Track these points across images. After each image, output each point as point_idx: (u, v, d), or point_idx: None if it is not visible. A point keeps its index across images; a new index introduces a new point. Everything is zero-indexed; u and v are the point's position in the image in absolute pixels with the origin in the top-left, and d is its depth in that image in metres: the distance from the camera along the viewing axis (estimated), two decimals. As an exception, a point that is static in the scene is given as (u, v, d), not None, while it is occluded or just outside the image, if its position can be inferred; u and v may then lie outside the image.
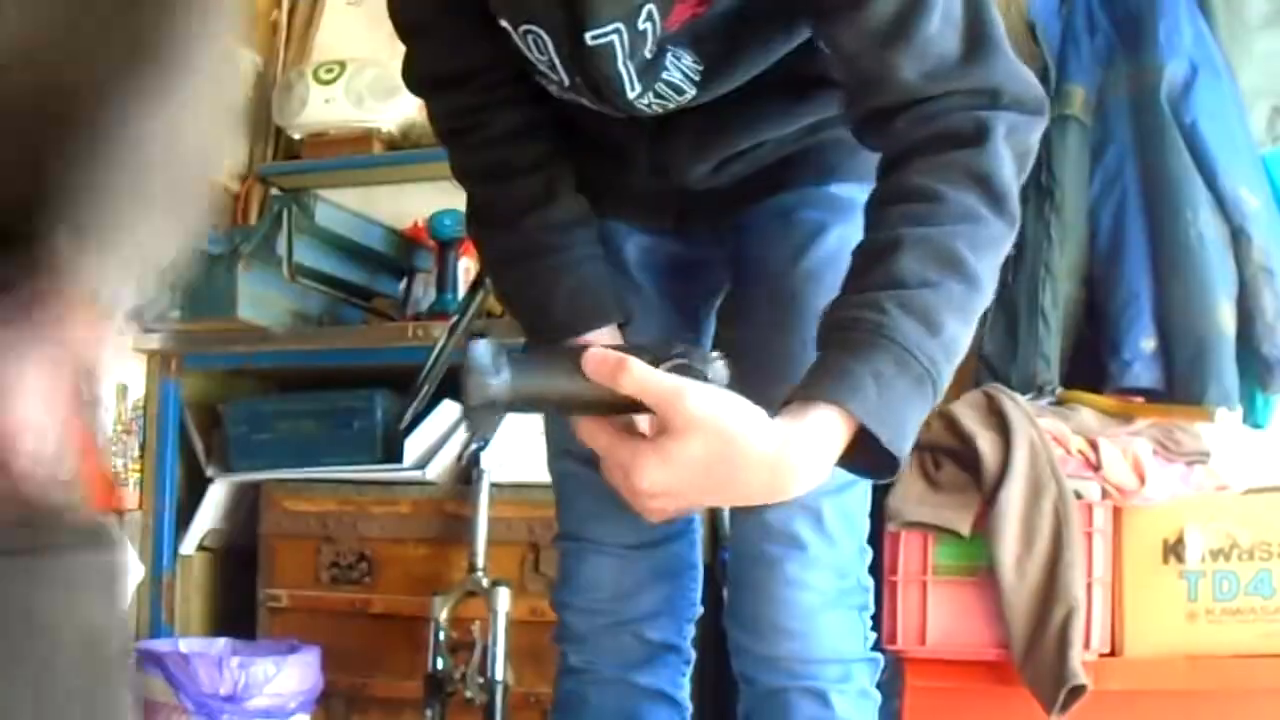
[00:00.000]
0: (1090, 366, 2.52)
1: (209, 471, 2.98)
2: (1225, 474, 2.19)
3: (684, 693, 1.61)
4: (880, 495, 2.00)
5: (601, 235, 1.46)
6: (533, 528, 2.55)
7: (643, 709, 1.57)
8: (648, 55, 1.29)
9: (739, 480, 1.08)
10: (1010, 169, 1.20)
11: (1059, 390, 2.41)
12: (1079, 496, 2.10)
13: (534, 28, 1.29)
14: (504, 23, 1.31)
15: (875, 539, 1.56)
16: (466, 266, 3.06)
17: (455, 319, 2.67)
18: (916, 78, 1.20)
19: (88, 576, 1.11)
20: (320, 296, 3.12)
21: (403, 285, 3.31)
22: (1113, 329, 2.47)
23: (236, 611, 2.92)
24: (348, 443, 2.83)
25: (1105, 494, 2.12)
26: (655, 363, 1.09)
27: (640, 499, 1.10)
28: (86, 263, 1.16)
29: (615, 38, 1.26)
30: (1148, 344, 2.43)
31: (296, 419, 2.91)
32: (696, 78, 1.32)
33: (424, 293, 3.23)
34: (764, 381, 1.14)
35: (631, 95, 1.32)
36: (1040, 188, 2.52)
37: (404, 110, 3.16)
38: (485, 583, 2.50)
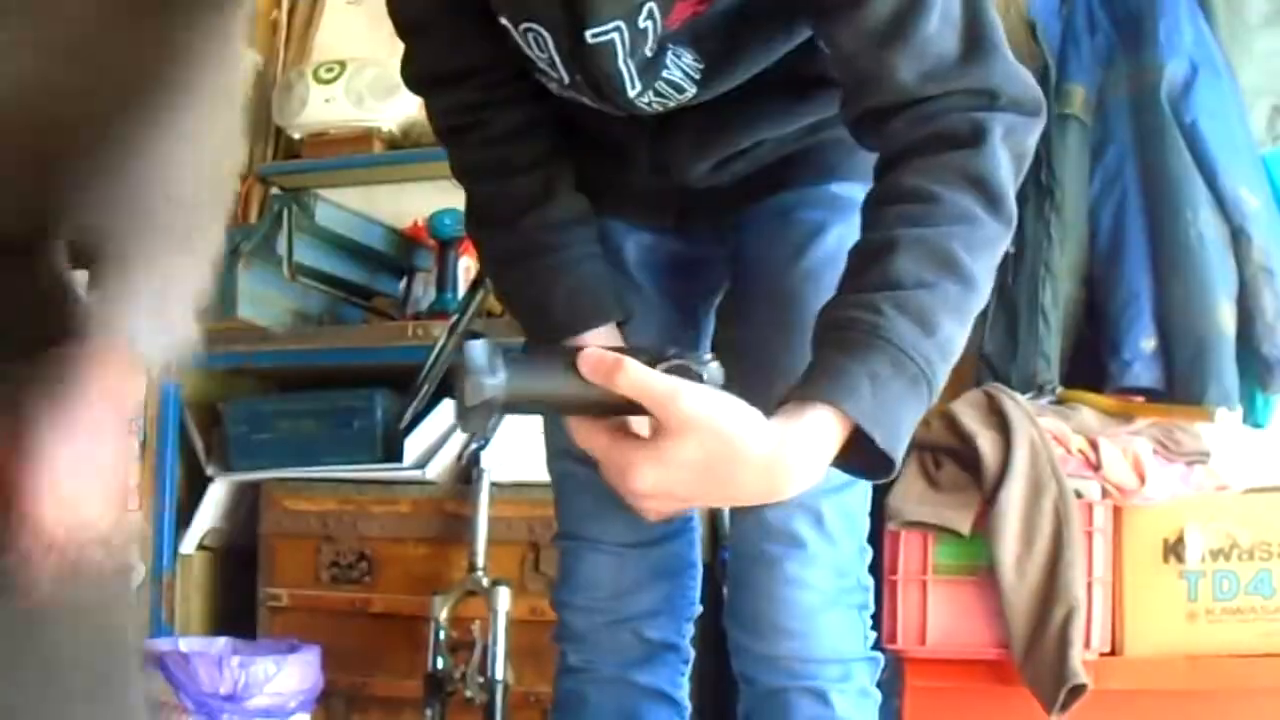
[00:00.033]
0: (1090, 366, 2.52)
1: (209, 471, 2.98)
2: (1225, 474, 2.19)
3: (683, 692, 1.61)
4: (880, 494, 2.00)
5: (601, 234, 1.46)
6: (533, 527, 2.55)
7: (642, 708, 1.57)
8: (648, 54, 1.29)
9: (735, 480, 1.08)
10: (1007, 170, 1.20)
11: (1059, 390, 2.41)
12: (1079, 496, 2.10)
13: (534, 25, 1.29)
14: (504, 21, 1.31)
15: (875, 538, 1.55)
16: (467, 266, 3.06)
17: (455, 318, 2.67)
18: (914, 78, 1.20)
19: (104, 589, 1.12)
20: (320, 296, 3.12)
21: (403, 284, 3.31)
22: (1113, 328, 2.47)
23: (236, 611, 2.92)
24: (348, 442, 2.83)
25: (1105, 493, 2.12)
26: (652, 364, 1.09)
27: (637, 500, 1.10)
28: (114, 309, 1.16)
29: (616, 36, 1.26)
30: (1148, 344, 2.43)
31: (296, 418, 2.91)
32: (697, 76, 1.32)
33: (424, 292, 3.23)
34: (763, 380, 1.14)
35: (632, 94, 1.32)
36: (1040, 187, 2.52)
37: (404, 109, 3.16)
38: (485, 582, 2.50)
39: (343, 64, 3.22)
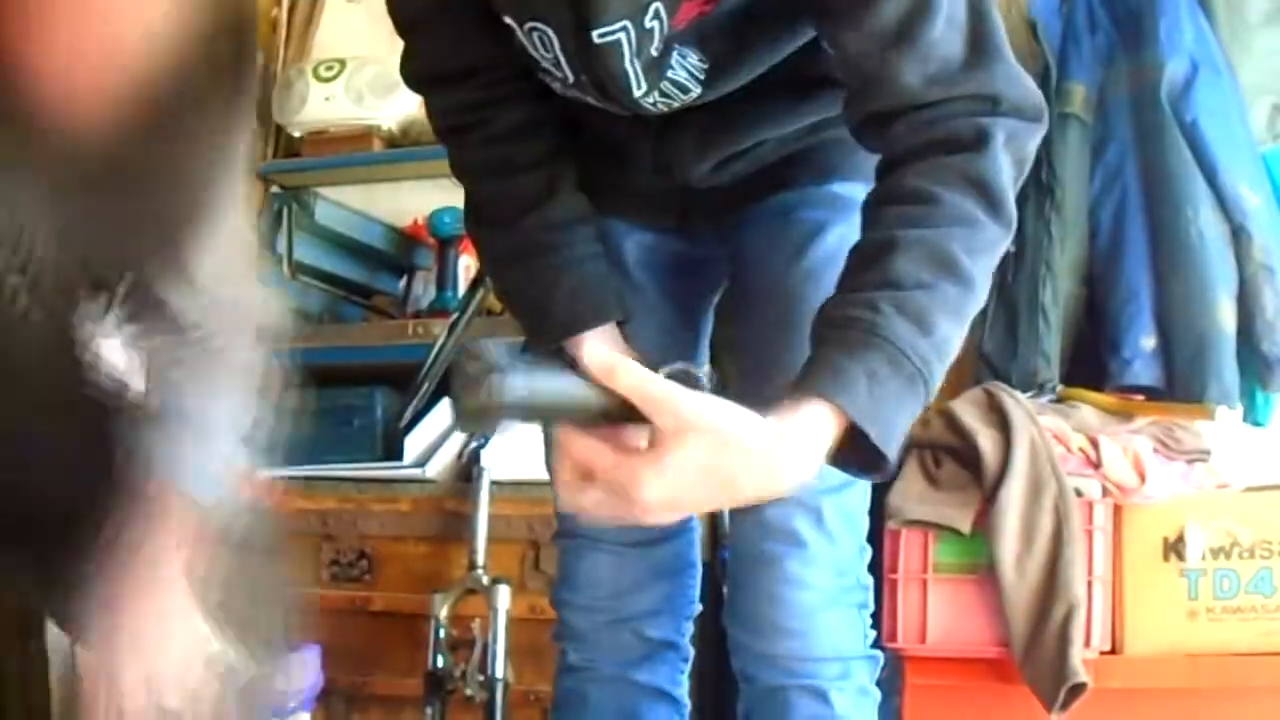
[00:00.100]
0: (1090, 364, 2.51)
1: (209, 469, 2.98)
2: (1226, 472, 2.19)
3: (683, 690, 1.62)
4: (880, 493, 2.00)
5: (601, 233, 1.46)
6: (533, 525, 2.55)
7: (642, 707, 1.58)
8: (654, 53, 1.29)
9: (736, 480, 1.07)
10: (1008, 175, 1.20)
11: (1059, 388, 2.40)
12: (1079, 494, 2.10)
13: (540, 25, 1.29)
14: (508, 20, 1.31)
15: (875, 537, 1.56)
16: (467, 264, 3.06)
17: (455, 317, 2.67)
18: (919, 82, 1.20)
19: None
20: (320, 294, 3.12)
21: (403, 283, 3.31)
22: (1113, 327, 2.47)
23: (236, 609, 2.92)
24: (348, 440, 2.82)
25: (1106, 492, 2.12)
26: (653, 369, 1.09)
27: (645, 514, 1.08)
28: (170, 457, 1.18)
29: (622, 35, 1.26)
30: (1148, 342, 2.43)
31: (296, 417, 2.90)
32: (702, 76, 1.32)
33: (424, 290, 3.23)
34: (763, 379, 1.14)
35: (637, 93, 1.32)
36: (1041, 185, 2.52)
37: (404, 108, 3.15)
38: (485, 580, 2.50)
39: (343, 62, 3.22)
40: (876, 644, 1.55)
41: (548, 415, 1.08)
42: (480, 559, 2.53)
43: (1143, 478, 2.11)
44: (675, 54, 1.29)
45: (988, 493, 2.10)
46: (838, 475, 1.22)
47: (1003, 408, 2.15)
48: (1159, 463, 2.14)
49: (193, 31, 1.09)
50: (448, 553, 2.66)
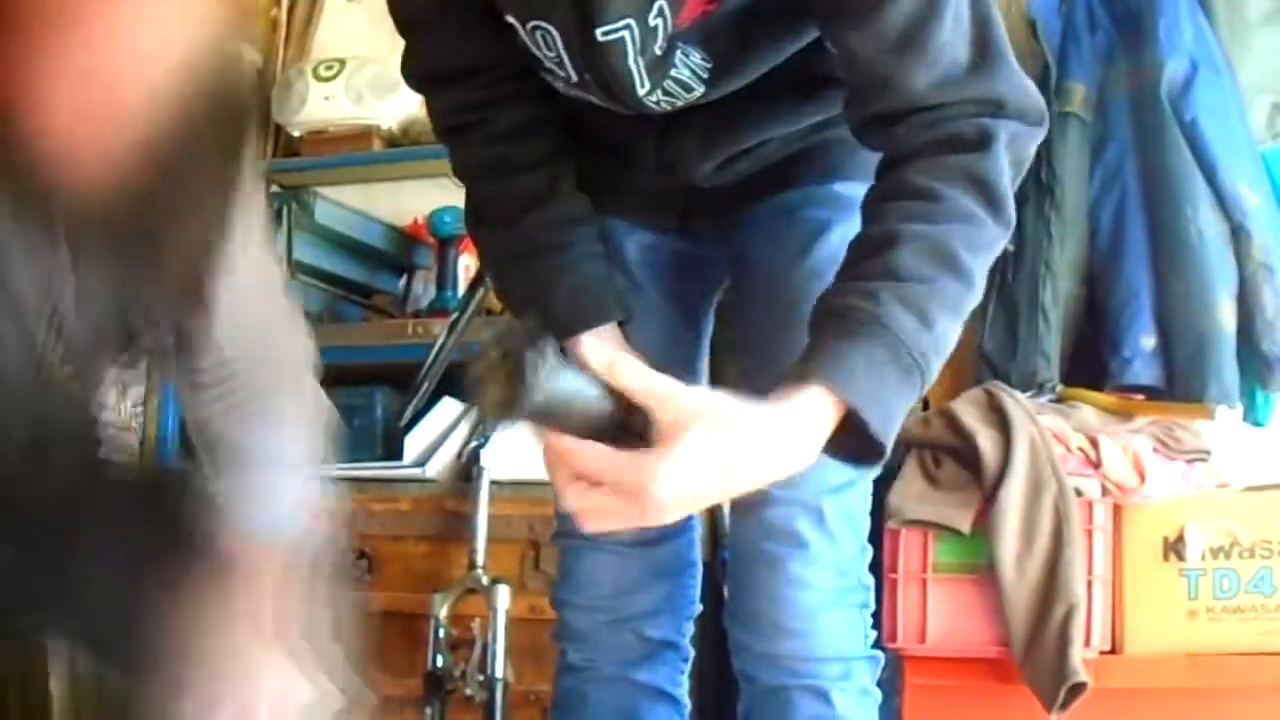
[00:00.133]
0: (1090, 364, 2.51)
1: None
2: (1226, 471, 2.19)
3: (683, 690, 1.62)
4: (880, 493, 2.00)
5: (602, 233, 1.46)
6: (533, 525, 2.55)
7: (642, 707, 1.58)
8: (658, 52, 1.29)
9: (741, 467, 1.08)
10: (1008, 176, 1.22)
11: (1059, 388, 2.40)
12: (1079, 494, 2.10)
13: (543, 24, 1.29)
14: (510, 19, 1.31)
15: (875, 537, 1.56)
16: (466, 264, 3.06)
17: (455, 316, 2.67)
18: (926, 85, 1.21)
19: None
20: (320, 294, 3.12)
21: (402, 282, 3.31)
22: (1113, 326, 2.47)
23: (236, 609, 2.91)
24: (347, 440, 2.82)
25: (1105, 491, 2.11)
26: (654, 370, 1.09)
27: (660, 513, 1.07)
28: (241, 501, 1.20)
29: (626, 34, 1.26)
30: (1148, 341, 2.43)
31: (295, 416, 2.90)
32: (705, 75, 1.32)
33: (424, 290, 3.23)
34: (765, 378, 1.14)
35: (641, 92, 1.32)
36: (1040, 185, 2.52)
37: (404, 107, 3.15)
38: (485, 580, 2.50)
39: (342, 61, 3.21)
40: (876, 644, 1.55)
41: (560, 414, 1.06)
42: (480, 559, 2.53)
43: (1142, 477, 2.11)
44: (679, 53, 1.29)
45: (987, 492, 2.10)
46: (839, 475, 1.23)
47: (1002, 407, 2.15)
48: (1159, 462, 2.14)
49: (194, 86, 1.10)
50: (447, 552, 2.66)
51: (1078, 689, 2.00)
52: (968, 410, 2.17)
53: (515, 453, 2.57)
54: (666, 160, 1.44)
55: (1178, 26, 2.49)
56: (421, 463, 2.69)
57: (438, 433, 2.72)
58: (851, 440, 1.12)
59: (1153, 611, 2.11)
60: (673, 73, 1.31)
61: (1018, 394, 2.22)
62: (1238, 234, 2.41)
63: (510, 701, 2.43)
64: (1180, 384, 2.38)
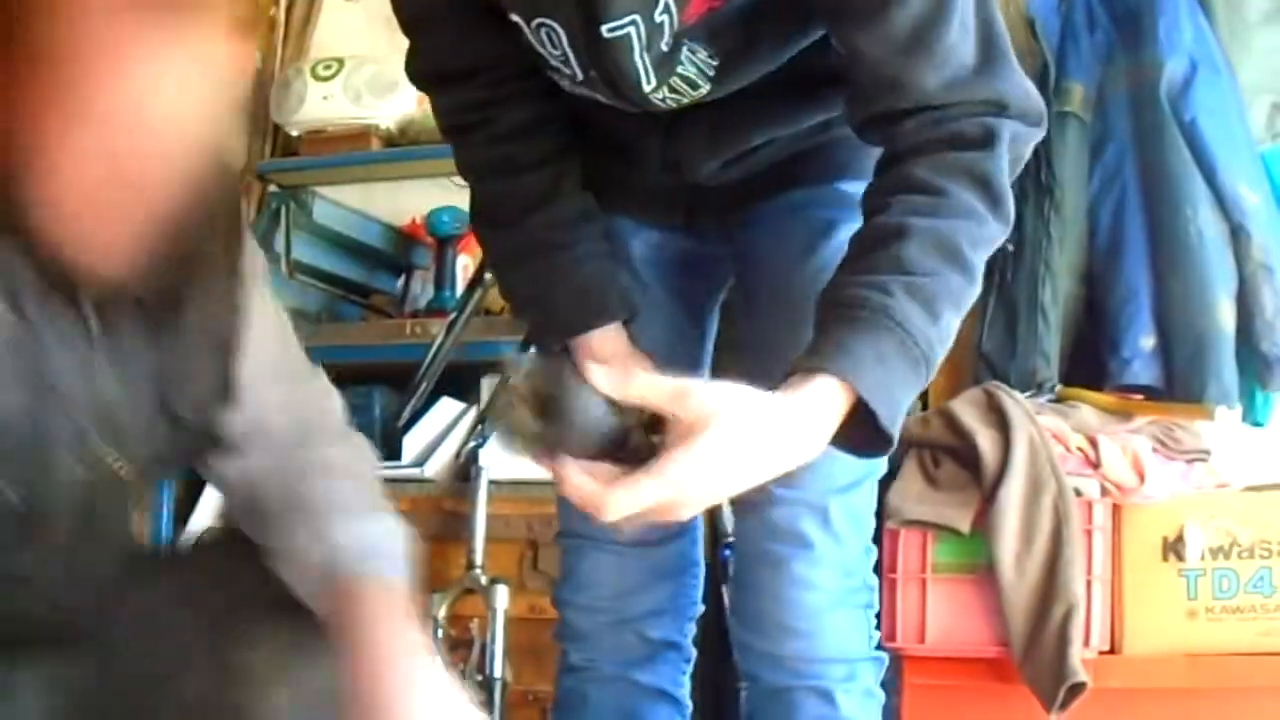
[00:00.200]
0: (1090, 364, 2.51)
1: (207, 468, 2.97)
2: (1225, 471, 2.19)
3: (684, 691, 1.61)
4: (880, 493, 2.00)
5: (607, 232, 1.45)
6: (531, 525, 2.55)
7: (643, 707, 1.57)
8: (664, 48, 1.28)
9: (760, 457, 1.09)
10: (1008, 174, 1.24)
11: (1058, 388, 2.40)
12: (1078, 494, 2.10)
13: (548, 21, 1.29)
14: (515, 18, 1.30)
15: (875, 537, 1.55)
16: (465, 264, 3.06)
17: (454, 316, 2.66)
18: (935, 86, 1.22)
19: None
20: (318, 293, 3.12)
21: (401, 282, 3.31)
22: (1112, 326, 2.47)
23: (234, 609, 2.91)
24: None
25: (1105, 491, 2.11)
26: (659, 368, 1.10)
27: (691, 508, 1.09)
28: (343, 551, 1.23)
29: (632, 30, 1.26)
30: (1147, 341, 2.42)
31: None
32: (711, 73, 1.32)
33: (422, 290, 3.23)
34: (770, 376, 1.14)
35: (647, 89, 1.32)
36: (1040, 185, 2.52)
37: (402, 107, 3.15)
38: (484, 580, 2.50)
39: (341, 61, 3.21)
40: (878, 645, 1.55)
41: (580, 442, 1.09)
42: (479, 559, 2.53)
43: (1142, 477, 2.10)
44: (685, 49, 1.29)
45: (987, 493, 2.09)
46: (845, 475, 1.23)
47: (1002, 407, 2.15)
48: (1158, 462, 2.14)
49: (207, 154, 1.10)
50: (446, 552, 2.65)
51: (1077, 689, 1.99)
52: (967, 410, 2.17)
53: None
54: (672, 158, 1.44)
55: (1177, 26, 2.49)
56: (420, 463, 2.69)
57: (436, 433, 2.72)
58: (858, 431, 1.13)
59: (1152, 612, 2.11)
60: (679, 70, 1.31)
61: (1017, 394, 2.21)
62: (1237, 234, 2.41)
63: (509, 701, 2.43)
64: (1179, 384, 2.38)
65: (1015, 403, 2.16)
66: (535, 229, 1.41)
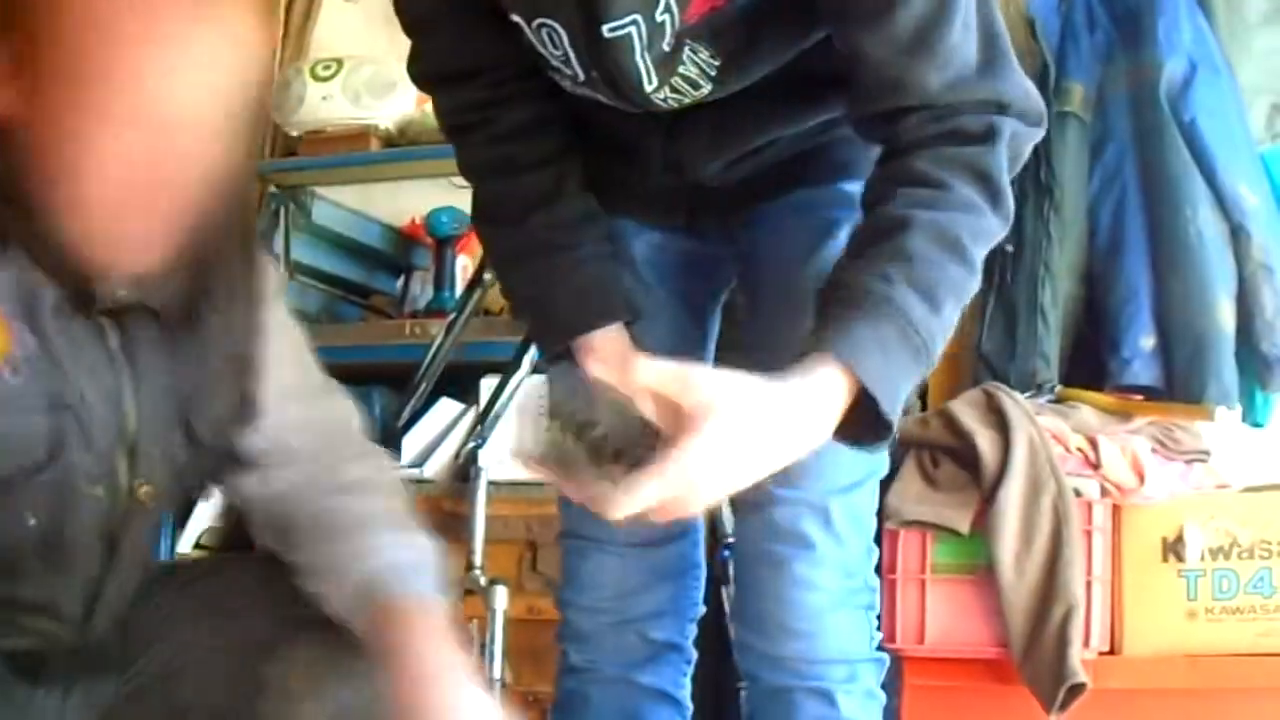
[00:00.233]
0: (1089, 364, 2.51)
1: (206, 469, 2.97)
2: (1225, 472, 2.19)
3: (685, 692, 1.61)
4: (879, 494, 1.99)
5: (610, 232, 1.45)
6: (530, 526, 2.55)
7: (644, 708, 1.57)
8: (665, 48, 1.28)
9: (767, 443, 1.10)
10: (1007, 171, 1.25)
11: (1058, 388, 2.40)
12: (1078, 494, 2.10)
13: (549, 22, 1.29)
14: (516, 18, 1.30)
15: (875, 537, 1.55)
16: (464, 264, 3.06)
17: (453, 317, 2.66)
18: (938, 86, 1.23)
19: None
20: (317, 294, 3.12)
21: (400, 283, 3.31)
22: (1112, 327, 2.47)
23: (233, 610, 2.90)
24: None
25: (1104, 492, 2.11)
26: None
27: (704, 496, 1.10)
28: (383, 570, 1.24)
29: (633, 29, 1.26)
30: (1147, 342, 2.43)
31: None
32: (713, 73, 1.32)
33: (421, 290, 3.23)
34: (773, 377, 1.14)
35: (648, 89, 1.32)
36: (1039, 185, 2.52)
37: (401, 107, 3.15)
38: (483, 581, 2.49)
39: (340, 61, 3.21)
40: (878, 645, 1.55)
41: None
42: (478, 559, 2.52)
43: (1141, 478, 2.10)
44: (687, 49, 1.29)
45: (986, 493, 2.09)
46: (847, 475, 1.23)
47: (1001, 408, 2.15)
48: (1158, 463, 2.14)
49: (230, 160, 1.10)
50: (445, 553, 2.65)
51: (1076, 690, 1.99)
52: (966, 411, 2.17)
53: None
54: (674, 159, 1.44)
55: (1177, 26, 2.49)
56: (419, 463, 2.68)
57: (435, 433, 2.71)
58: (858, 419, 1.14)
59: (1152, 612, 2.11)
60: (680, 70, 1.31)
61: (1016, 394, 2.21)
62: (1237, 234, 2.41)
63: (508, 702, 2.43)
64: (1179, 384, 2.38)
65: (1015, 403, 2.16)
66: (536, 229, 1.40)
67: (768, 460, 1.12)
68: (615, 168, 1.46)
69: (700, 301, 1.58)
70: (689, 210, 1.52)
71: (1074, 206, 2.54)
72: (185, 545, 2.97)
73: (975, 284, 1.23)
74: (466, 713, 1.14)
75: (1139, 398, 2.36)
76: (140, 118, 1.04)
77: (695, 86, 1.33)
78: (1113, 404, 2.30)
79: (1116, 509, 2.13)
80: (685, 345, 1.52)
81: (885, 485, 2.07)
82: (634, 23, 1.25)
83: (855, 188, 1.44)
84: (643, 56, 1.28)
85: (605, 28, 1.25)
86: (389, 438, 2.76)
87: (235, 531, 2.98)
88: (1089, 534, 2.10)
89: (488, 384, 2.58)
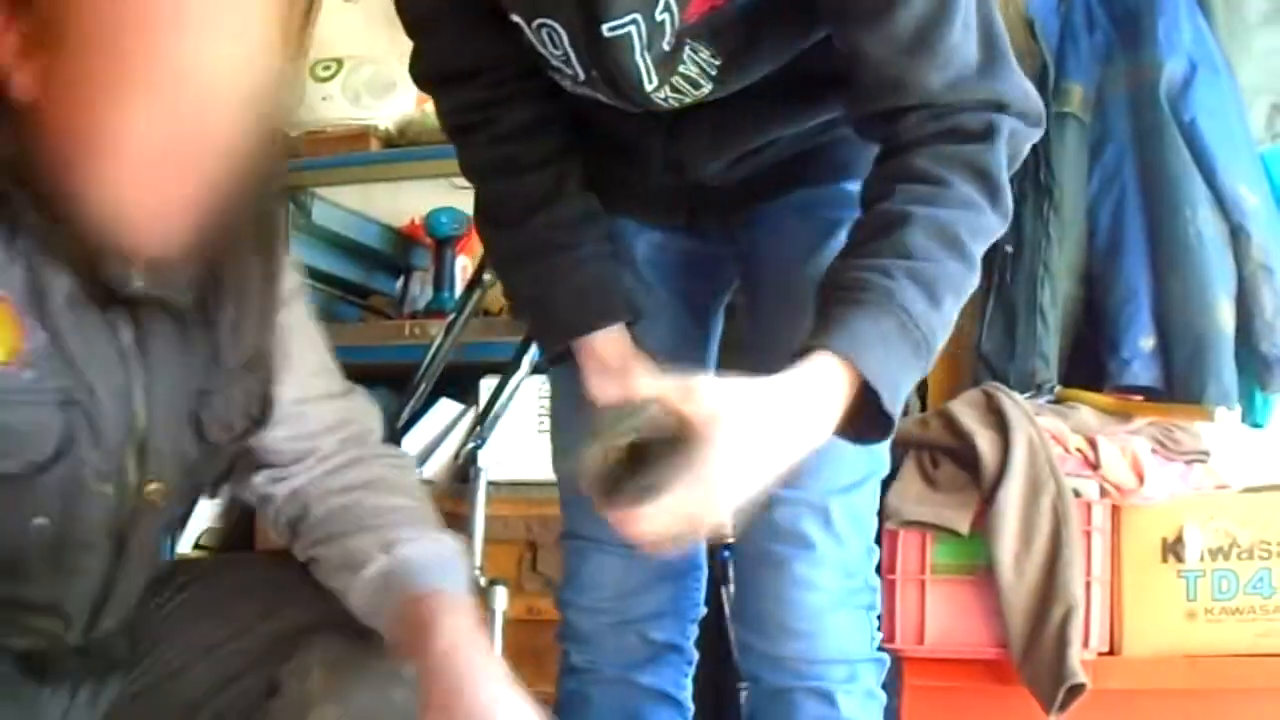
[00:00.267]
0: (1089, 365, 2.51)
1: (205, 470, 2.97)
2: (1224, 472, 2.19)
3: (686, 693, 1.61)
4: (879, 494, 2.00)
5: (611, 233, 1.45)
6: (530, 526, 2.55)
7: (645, 709, 1.57)
8: (665, 47, 1.29)
9: (778, 441, 1.10)
10: (1006, 170, 1.25)
11: (1058, 389, 2.40)
12: (1078, 495, 2.10)
13: (549, 22, 1.29)
14: (516, 18, 1.31)
15: (875, 538, 1.55)
16: (464, 264, 3.06)
17: (452, 317, 2.66)
18: (939, 86, 1.24)
19: None
20: (317, 294, 3.10)
21: (400, 283, 3.30)
22: (1112, 327, 2.47)
23: (233, 610, 2.90)
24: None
25: (1104, 492, 2.11)
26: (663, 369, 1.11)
27: (723, 505, 1.09)
28: (409, 570, 1.23)
29: (633, 29, 1.26)
30: (1146, 342, 2.42)
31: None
32: (713, 72, 1.32)
33: (421, 291, 3.22)
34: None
35: (648, 88, 1.32)
36: (1039, 186, 2.51)
37: (401, 107, 3.15)
38: (482, 581, 2.49)
39: (339, 61, 3.21)
40: (879, 646, 1.55)
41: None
42: (477, 560, 2.52)
43: (1141, 478, 2.10)
44: (687, 49, 1.29)
45: (986, 494, 2.09)
46: (847, 475, 1.23)
47: (1001, 409, 2.15)
48: (1157, 463, 2.14)
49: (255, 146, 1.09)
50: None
51: (1076, 690, 1.99)
52: (966, 411, 2.17)
53: (513, 454, 2.57)
54: (674, 159, 1.44)
55: (1176, 27, 2.49)
56: (419, 464, 2.68)
57: (435, 434, 2.71)
58: (859, 412, 1.15)
59: (1151, 613, 2.11)
60: (680, 69, 1.31)
61: (1016, 395, 2.21)
62: (1237, 235, 2.41)
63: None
64: (1179, 385, 2.38)
65: (1014, 404, 2.16)
66: (537, 229, 1.41)
67: (778, 460, 1.12)
68: (616, 167, 1.46)
69: (702, 301, 1.58)
70: (690, 210, 1.52)
71: (1073, 207, 2.54)
72: (185, 545, 2.97)
73: (974, 281, 1.24)
74: (504, 716, 1.11)
75: (1138, 398, 2.36)
76: (166, 90, 1.02)
77: (695, 86, 1.33)
78: (1112, 404, 2.30)
79: (1116, 509, 2.13)
80: (686, 345, 1.52)
81: (885, 485, 2.08)
82: (634, 22, 1.25)
83: (856, 188, 1.44)
84: (643, 56, 1.28)
85: (605, 27, 1.26)
86: (389, 438, 2.76)
87: (235, 532, 2.98)
88: (1088, 534, 2.10)
89: (487, 384, 2.58)
